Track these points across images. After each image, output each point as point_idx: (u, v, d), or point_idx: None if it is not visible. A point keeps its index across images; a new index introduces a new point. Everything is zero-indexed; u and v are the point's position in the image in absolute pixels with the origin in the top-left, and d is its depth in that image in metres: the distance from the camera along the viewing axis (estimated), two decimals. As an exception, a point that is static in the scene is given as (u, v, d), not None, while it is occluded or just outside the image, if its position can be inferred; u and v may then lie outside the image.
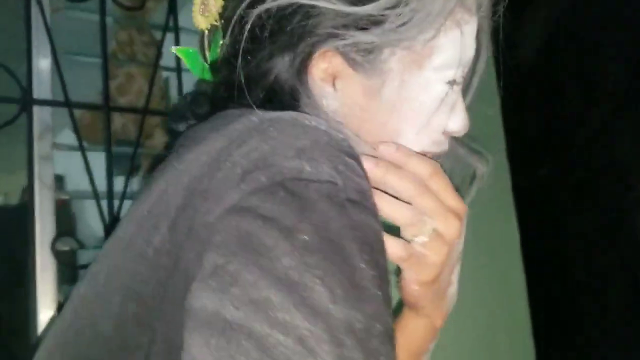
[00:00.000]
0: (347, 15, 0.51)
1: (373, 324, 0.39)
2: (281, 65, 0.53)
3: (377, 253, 0.42)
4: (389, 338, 0.40)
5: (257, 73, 0.53)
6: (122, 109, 1.36)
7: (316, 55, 0.53)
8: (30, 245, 0.93)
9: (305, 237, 0.39)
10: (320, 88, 0.54)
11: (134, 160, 1.06)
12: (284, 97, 0.53)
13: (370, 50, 0.53)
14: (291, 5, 0.51)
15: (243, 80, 0.51)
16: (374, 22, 0.51)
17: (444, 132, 0.58)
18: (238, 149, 0.44)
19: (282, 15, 0.51)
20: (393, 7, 0.50)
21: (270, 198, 0.40)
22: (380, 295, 0.40)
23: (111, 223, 0.98)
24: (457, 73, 0.56)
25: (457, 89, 0.58)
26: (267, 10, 0.51)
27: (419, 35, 0.53)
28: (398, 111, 0.55)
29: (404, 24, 0.51)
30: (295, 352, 0.36)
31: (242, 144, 0.44)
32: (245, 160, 0.43)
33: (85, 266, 1.00)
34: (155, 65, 1.13)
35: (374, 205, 0.44)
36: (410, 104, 0.55)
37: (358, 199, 0.43)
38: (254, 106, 0.50)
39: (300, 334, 0.36)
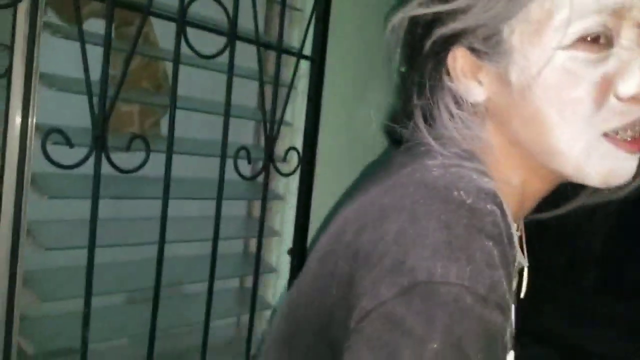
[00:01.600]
0: (462, 10, 0.56)
1: None
2: (421, 76, 0.61)
3: (494, 349, 0.47)
4: None
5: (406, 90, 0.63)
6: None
7: (448, 58, 0.59)
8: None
9: (434, 345, 0.45)
10: (465, 86, 0.59)
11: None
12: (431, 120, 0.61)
13: (489, 36, 0.56)
14: (414, 18, 0.61)
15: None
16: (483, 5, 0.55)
17: (621, 99, 0.53)
18: (385, 224, 0.52)
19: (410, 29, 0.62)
20: None
21: (407, 304, 0.47)
22: None
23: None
24: (589, 24, 0.51)
25: (606, 43, 0.53)
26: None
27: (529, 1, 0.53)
28: (534, 95, 0.54)
29: None
30: None
31: (385, 221, 0.52)
32: (389, 250, 0.50)
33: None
34: None
35: (502, 296, 0.48)
36: (542, 82, 0.53)
37: (485, 294, 0.47)
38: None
39: None
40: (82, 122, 0.95)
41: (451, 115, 0.59)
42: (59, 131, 0.89)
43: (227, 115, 1.11)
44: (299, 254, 1.36)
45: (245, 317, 1.35)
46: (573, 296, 1.66)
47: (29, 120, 0.88)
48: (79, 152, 0.92)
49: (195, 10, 1.03)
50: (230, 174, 1.14)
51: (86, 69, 0.89)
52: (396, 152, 0.65)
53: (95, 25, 1.10)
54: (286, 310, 0.66)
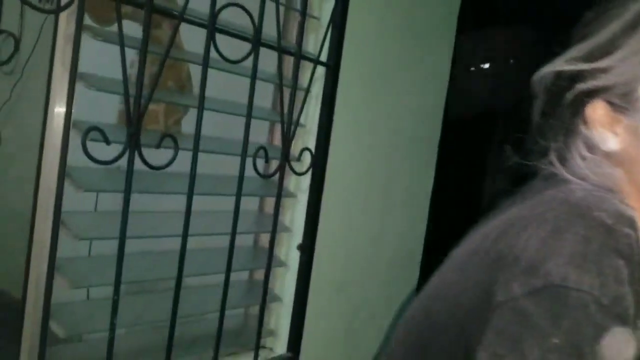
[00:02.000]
0: (603, 69, 0.65)
1: None
2: (559, 122, 0.70)
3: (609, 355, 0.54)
4: None
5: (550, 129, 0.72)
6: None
7: (587, 109, 0.68)
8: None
9: (556, 341, 0.52)
10: (601, 134, 0.68)
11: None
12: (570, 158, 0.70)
13: (627, 93, 0.65)
14: (560, 73, 0.70)
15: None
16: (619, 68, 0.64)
17: None
18: (525, 232, 0.60)
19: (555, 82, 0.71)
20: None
21: (537, 302, 0.54)
22: None
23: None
24: None
25: None
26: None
27: None
28: None
29: None
30: None
31: (526, 229, 0.60)
32: (527, 254, 0.58)
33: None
34: None
35: (625, 308, 0.55)
36: None
37: (609, 304, 0.54)
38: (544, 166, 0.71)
39: None
40: (99, 117, 1.01)
41: (583, 158, 0.69)
42: (97, 129, 0.94)
43: (249, 116, 1.18)
44: (308, 249, 1.43)
45: (255, 308, 1.42)
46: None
47: (70, 118, 0.94)
48: (109, 148, 0.98)
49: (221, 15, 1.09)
50: (247, 171, 1.20)
51: (124, 72, 0.95)
52: (533, 182, 0.73)
53: (126, 27, 1.16)
54: (418, 317, 0.75)
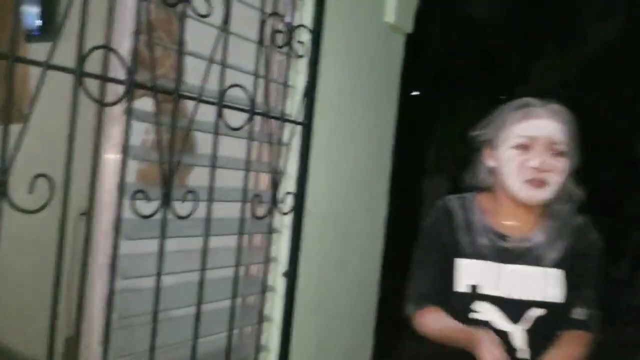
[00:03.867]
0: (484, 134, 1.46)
1: None
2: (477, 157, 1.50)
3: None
4: None
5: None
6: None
7: (484, 153, 1.46)
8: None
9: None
10: (487, 160, 1.46)
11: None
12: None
13: (493, 142, 1.42)
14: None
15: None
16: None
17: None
18: None
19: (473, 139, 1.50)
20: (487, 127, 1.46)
21: None
22: None
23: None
24: (514, 143, 1.38)
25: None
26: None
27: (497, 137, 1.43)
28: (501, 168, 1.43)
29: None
30: None
31: None
32: None
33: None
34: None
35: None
36: (504, 161, 1.41)
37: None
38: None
39: None
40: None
41: (482, 173, 1.48)
42: (141, 191, 1.21)
43: (247, 171, 1.47)
44: (292, 275, 1.72)
45: (247, 329, 1.69)
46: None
47: (123, 185, 1.20)
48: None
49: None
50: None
51: (160, 144, 1.23)
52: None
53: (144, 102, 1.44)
54: None
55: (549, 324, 1.35)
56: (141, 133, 1.60)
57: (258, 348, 1.59)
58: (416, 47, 2.87)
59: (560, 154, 1.32)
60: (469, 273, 1.37)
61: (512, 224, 1.41)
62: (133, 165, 1.82)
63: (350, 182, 2.01)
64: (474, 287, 1.36)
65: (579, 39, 4.77)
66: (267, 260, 1.71)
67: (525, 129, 1.33)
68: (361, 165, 2.07)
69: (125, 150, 1.19)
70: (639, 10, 4.36)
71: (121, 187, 1.20)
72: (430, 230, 1.47)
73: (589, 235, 1.43)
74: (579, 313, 1.36)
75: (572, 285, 1.36)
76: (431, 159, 5.68)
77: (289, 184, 1.72)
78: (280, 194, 1.66)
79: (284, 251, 1.74)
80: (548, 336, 1.34)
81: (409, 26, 2.21)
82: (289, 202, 1.68)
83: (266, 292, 1.71)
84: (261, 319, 1.58)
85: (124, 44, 1.18)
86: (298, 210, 1.70)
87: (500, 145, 1.37)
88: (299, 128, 1.69)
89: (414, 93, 5.85)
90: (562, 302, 1.35)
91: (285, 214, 1.66)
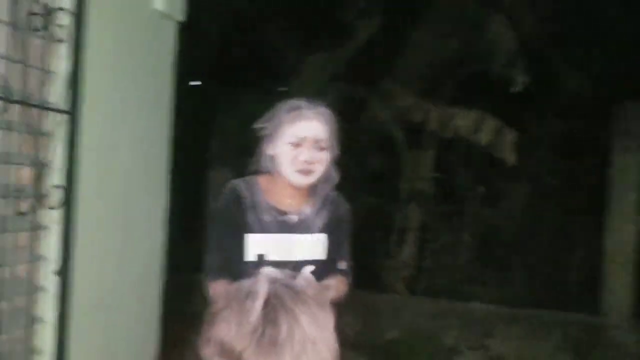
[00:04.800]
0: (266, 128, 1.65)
1: None
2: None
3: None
4: None
5: None
6: None
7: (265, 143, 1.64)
8: None
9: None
10: (268, 153, 1.65)
11: None
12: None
13: (272, 136, 1.63)
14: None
15: None
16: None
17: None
18: None
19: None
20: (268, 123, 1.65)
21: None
22: None
23: None
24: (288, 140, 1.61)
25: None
26: None
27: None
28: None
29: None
30: None
31: None
32: None
33: None
34: None
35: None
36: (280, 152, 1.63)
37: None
38: None
39: None
40: None
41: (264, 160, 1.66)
42: None
43: (5, 164, 1.36)
44: (64, 272, 1.63)
45: (18, 333, 1.57)
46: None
47: None
48: None
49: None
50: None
51: None
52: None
53: None
54: None
55: (319, 276, 1.62)
56: None
57: (30, 352, 1.48)
58: (192, 36, 2.87)
59: (323, 148, 1.62)
60: (256, 245, 1.64)
61: (289, 202, 1.70)
62: None
63: (126, 173, 1.96)
64: (260, 255, 1.63)
65: (346, 35, 5.18)
66: (35, 259, 1.60)
67: (297, 130, 1.61)
68: (137, 156, 2.03)
69: None
70: (397, 9, 4.90)
71: None
72: (221, 211, 1.68)
73: (341, 206, 1.76)
74: (341, 265, 1.73)
75: (334, 244, 1.72)
76: (216, 149, 5.71)
77: (56, 177, 1.62)
78: (46, 187, 1.57)
79: (54, 248, 1.64)
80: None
81: (179, 14, 2.21)
82: (57, 196, 1.59)
83: (36, 292, 1.60)
84: (31, 321, 1.47)
85: None
86: (68, 204, 1.62)
87: (278, 140, 1.63)
88: (64, 117, 1.60)
89: (194, 83, 5.81)
90: (326, 258, 1.71)
91: (52, 208, 1.56)
